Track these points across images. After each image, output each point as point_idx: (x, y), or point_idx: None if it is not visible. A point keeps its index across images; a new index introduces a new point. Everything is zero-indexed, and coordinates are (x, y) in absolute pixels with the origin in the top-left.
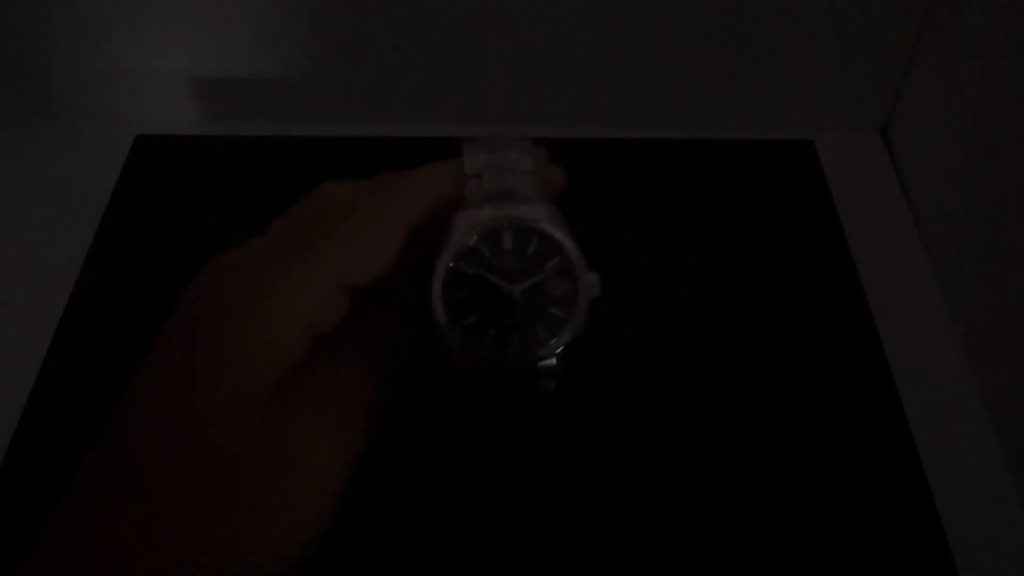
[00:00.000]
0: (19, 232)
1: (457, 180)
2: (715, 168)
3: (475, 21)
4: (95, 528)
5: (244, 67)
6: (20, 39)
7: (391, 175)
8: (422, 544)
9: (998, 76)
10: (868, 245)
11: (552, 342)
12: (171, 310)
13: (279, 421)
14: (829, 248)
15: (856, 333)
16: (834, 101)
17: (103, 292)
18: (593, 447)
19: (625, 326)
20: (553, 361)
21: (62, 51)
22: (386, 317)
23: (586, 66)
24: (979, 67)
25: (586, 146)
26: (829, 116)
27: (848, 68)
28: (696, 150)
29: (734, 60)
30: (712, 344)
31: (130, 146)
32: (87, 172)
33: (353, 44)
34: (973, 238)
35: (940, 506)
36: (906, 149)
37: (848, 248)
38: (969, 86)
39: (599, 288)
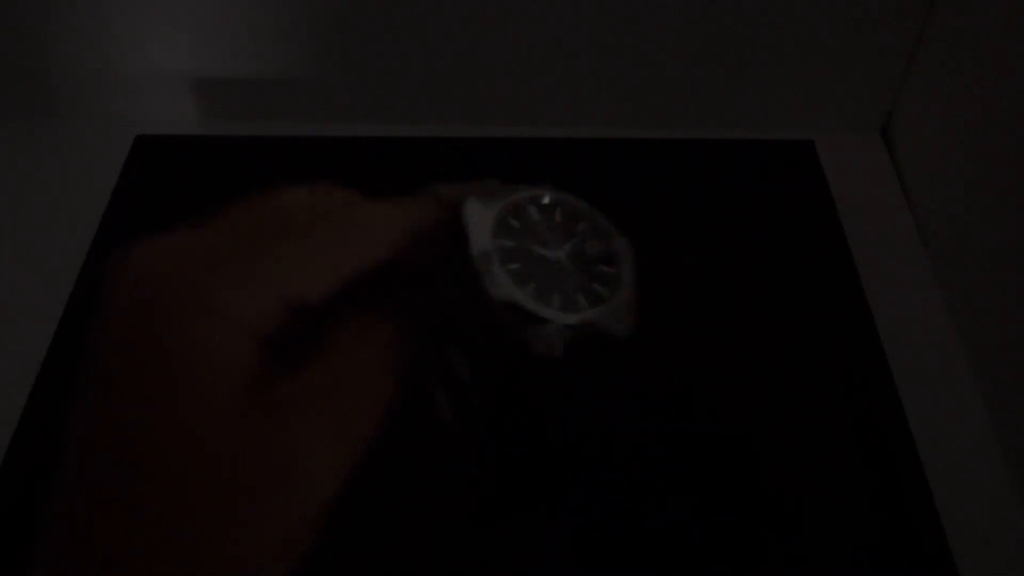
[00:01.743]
0: (19, 232)
1: (430, 212)
2: (715, 168)
3: (475, 21)
4: (79, 538)
5: (244, 67)
6: (20, 39)
7: (362, 202)
8: (441, 544)
9: (998, 76)
10: (868, 245)
11: (616, 295)
12: (111, 294)
13: (266, 428)
14: (829, 248)
15: (856, 333)
16: (834, 101)
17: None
18: (592, 449)
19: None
20: (621, 324)
21: (62, 51)
22: (396, 320)
23: (586, 66)
24: (979, 67)
25: (586, 146)
26: (829, 116)
27: (848, 68)
28: (696, 150)
29: (734, 60)
30: (712, 344)
31: (130, 146)
32: (87, 172)
33: (353, 44)
34: (973, 238)
35: (940, 506)
36: (906, 149)
37: (848, 248)
38: (969, 86)
39: (631, 246)
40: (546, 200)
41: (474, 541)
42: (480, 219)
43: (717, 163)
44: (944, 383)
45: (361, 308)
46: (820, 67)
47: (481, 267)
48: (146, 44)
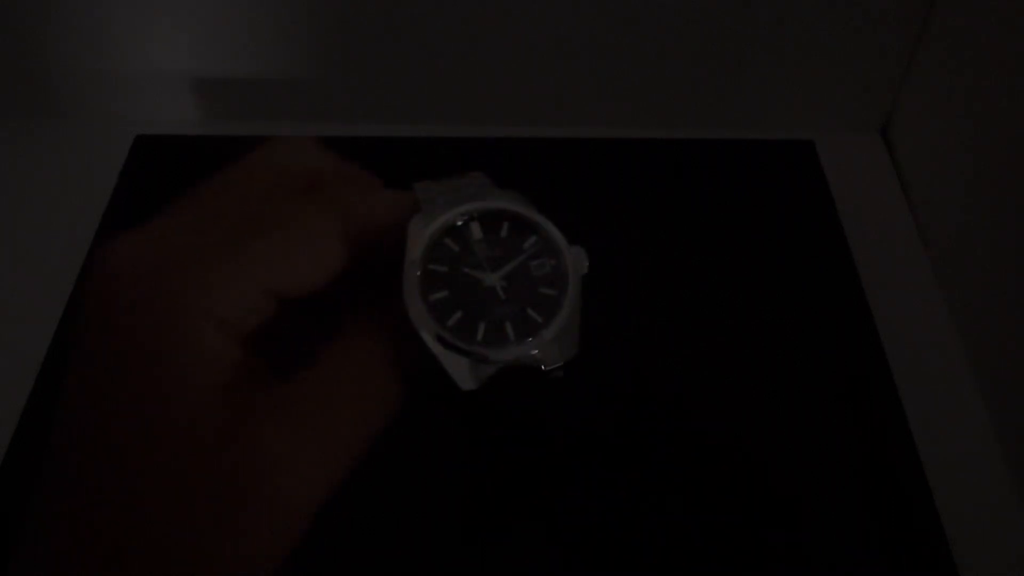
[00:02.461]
0: (19, 232)
1: (408, 205)
2: (715, 168)
3: (475, 21)
4: (62, 537)
5: (244, 67)
6: (20, 39)
7: (339, 186)
8: (429, 557)
9: (998, 76)
10: (868, 245)
11: (551, 323)
12: (93, 292)
13: (245, 438)
14: (829, 248)
15: (856, 333)
16: (834, 101)
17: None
18: (590, 448)
19: (624, 327)
20: (560, 363)
21: (62, 51)
22: (387, 326)
23: (586, 66)
24: (979, 67)
25: (586, 146)
26: (829, 116)
27: (848, 68)
28: (696, 150)
29: (734, 60)
30: (711, 344)
31: (130, 146)
32: (87, 172)
33: (353, 44)
34: (973, 238)
35: (940, 506)
36: (906, 149)
37: (848, 248)
38: (969, 86)
39: (587, 261)
40: (470, 218)
41: (468, 543)
42: (414, 242)
43: (717, 163)
44: (944, 383)
45: (361, 300)
46: (820, 67)
47: (407, 294)
48: (146, 44)
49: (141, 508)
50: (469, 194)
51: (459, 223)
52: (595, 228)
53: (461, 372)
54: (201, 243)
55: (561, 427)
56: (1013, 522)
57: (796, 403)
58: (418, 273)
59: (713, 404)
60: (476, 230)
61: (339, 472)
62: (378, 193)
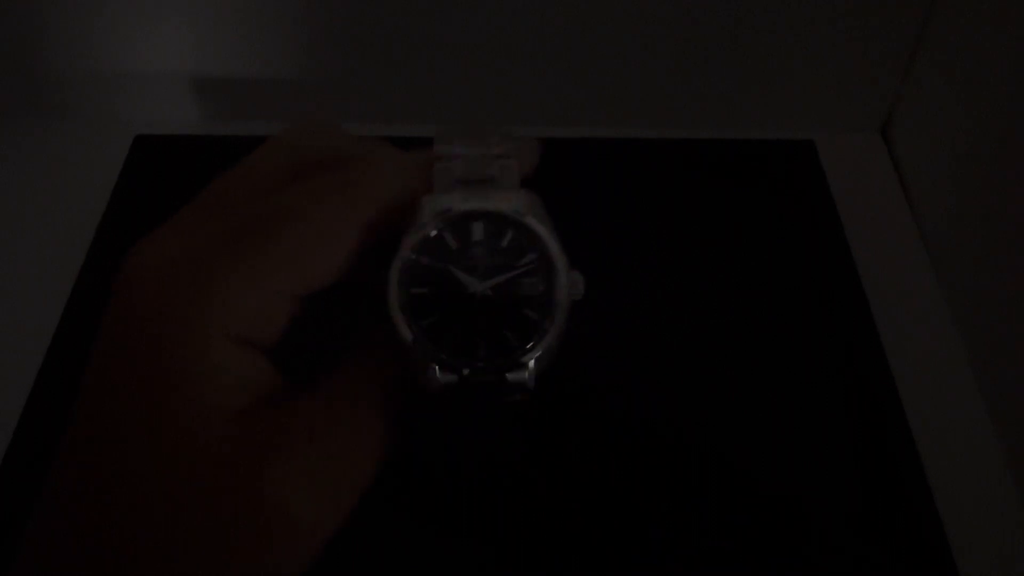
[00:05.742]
0: (19, 232)
1: (426, 171)
2: (715, 168)
3: (475, 21)
4: (66, 544)
5: (244, 67)
6: (20, 39)
7: (351, 168)
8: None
9: (998, 76)
10: (868, 245)
11: (523, 350)
12: (111, 301)
13: (258, 465)
14: (829, 248)
15: (856, 333)
16: (834, 101)
17: (103, 292)
18: (588, 444)
19: (623, 327)
20: (524, 376)
21: (62, 51)
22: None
23: (585, 66)
24: (979, 67)
25: (586, 146)
26: (829, 116)
27: (848, 68)
28: (696, 150)
29: (734, 60)
30: (711, 345)
31: (130, 146)
32: (87, 172)
33: (353, 44)
34: (973, 238)
35: (940, 506)
36: (906, 149)
37: (848, 248)
38: (969, 86)
39: (583, 288)
40: (496, 219)
41: (466, 544)
42: (415, 226)
43: (717, 163)
44: (944, 383)
45: (374, 314)
46: (820, 67)
47: (389, 281)
48: (146, 44)
49: (151, 521)
50: (488, 165)
51: (464, 217)
52: (595, 228)
53: (428, 372)
54: (217, 245)
55: (558, 421)
56: (1013, 522)
57: (796, 403)
58: (407, 263)
59: (711, 404)
60: (479, 230)
61: (356, 491)
62: (394, 168)
